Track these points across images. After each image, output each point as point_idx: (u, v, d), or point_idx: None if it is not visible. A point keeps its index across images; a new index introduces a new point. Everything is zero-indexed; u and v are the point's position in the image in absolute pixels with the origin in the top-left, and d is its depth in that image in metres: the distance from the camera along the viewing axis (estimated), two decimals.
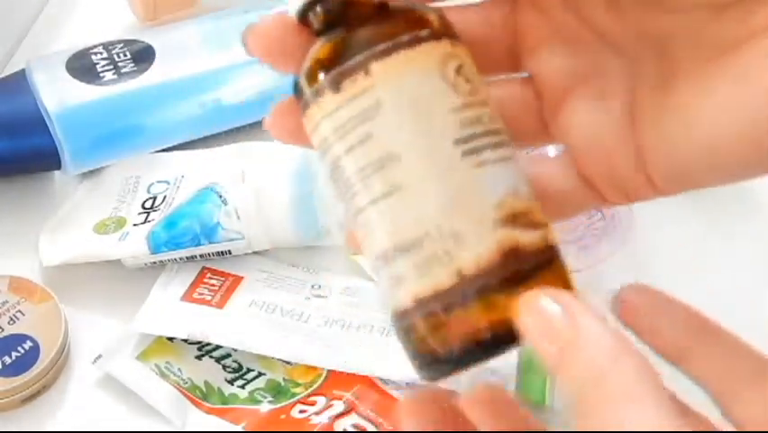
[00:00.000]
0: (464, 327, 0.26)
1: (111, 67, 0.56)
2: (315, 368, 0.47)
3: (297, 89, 0.28)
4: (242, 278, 0.51)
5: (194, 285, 0.51)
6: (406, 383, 0.45)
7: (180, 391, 0.47)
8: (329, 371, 0.46)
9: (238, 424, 0.45)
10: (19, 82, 0.55)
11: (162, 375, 0.47)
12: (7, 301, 0.49)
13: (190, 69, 0.57)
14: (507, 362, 0.44)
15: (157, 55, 0.57)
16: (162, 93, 0.56)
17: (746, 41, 0.25)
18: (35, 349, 0.47)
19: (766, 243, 0.53)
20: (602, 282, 0.51)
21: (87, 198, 0.56)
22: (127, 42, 0.57)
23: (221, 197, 0.51)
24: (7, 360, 0.47)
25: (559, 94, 0.29)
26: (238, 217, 0.51)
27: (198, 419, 0.46)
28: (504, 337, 0.26)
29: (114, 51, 0.57)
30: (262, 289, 0.50)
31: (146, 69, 0.56)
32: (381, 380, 0.45)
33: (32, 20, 0.66)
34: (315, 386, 0.46)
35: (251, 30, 0.28)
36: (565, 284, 0.27)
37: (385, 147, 0.26)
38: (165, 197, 0.54)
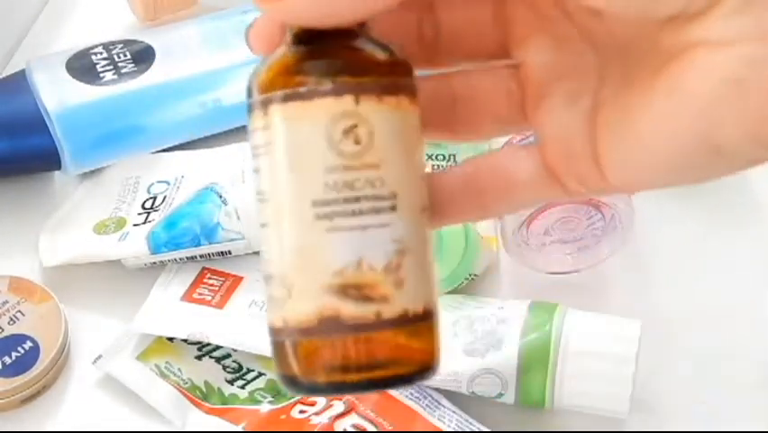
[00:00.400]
0: (285, 365, 0.28)
1: (111, 67, 0.56)
2: None
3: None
4: (242, 278, 0.51)
5: (194, 285, 0.51)
6: None
7: (180, 392, 0.47)
8: None
9: (238, 424, 0.45)
10: (19, 82, 0.55)
11: (162, 375, 0.47)
12: (7, 301, 0.49)
13: (190, 69, 0.57)
14: (507, 362, 0.44)
15: (157, 55, 0.57)
16: (162, 93, 0.56)
17: (680, 54, 0.26)
18: (35, 349, 0.47)
19: (766, 243, 0.53)
20: (602, 282, 0.51)
21: (87, 198, 0.56)
22: (127, 42, 0.57)
23: (221, 197, 0.51)
24: (7, 360, 0.47)
25: (540, 87, 0.29)
26: (238, 218, 0.51)
27: (198, 419, 0.46)
28: (316, 386, 0.28)
29: (114, 52, 0.57)
30: (262, 289, 0.50)
31: (146, 70, 0.56)
32: None
33: (32, 20, 0.66)
34: None
35: (253, 27, 0.29)
36: (403, 358, 0.28)
37: (263, 185, 0.28)
38: (165, 197, 0.54)
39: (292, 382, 0.28)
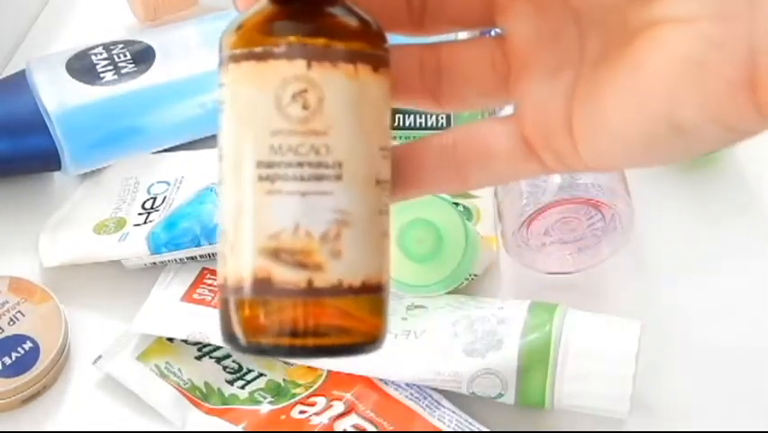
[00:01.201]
0: (225, 322, 0.28)
1: (111, 67, 0.56)
2: (315, 369, 0.47)
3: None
4: None
5: (194, 286, 0.51)
6: (407, 383, 0.45)
7: (180, 392, 0.47)
8: (329, 371, 0.46)
9: (238, 424, 0.45)
10: (19, 83, 0.55)
11: (162, 376, 0.47)
12: (7, 302, 0.49)
13: (190, 69, 0.57)
14: (507, 362, 0.44)
15: (157, 56, 0.57)
16: (162, 93, 0.56)
17: (644, 31, 0.26)
18: (35, 350, 0.47)
19: (766, 242, 0.53)
20: (602, 282, 0.51)
21: (87, 198, 0.56)
22: (127, 43, 0.57)
23: None
24: (7, 360, 0.47)
25: (523, 58, 0.29)
26: None
27: (198, 419, 0.46)
28: (249, 346, 0.28)
29: (114, 52, 0.57)
30: None
31: (146, 70, 0.56)
32: (381, 380, 0.45)
33: (33, 20, 0.66)
34: (315, 387, 0.46)
35: None
36: (339, 325, 0.28)
37: (220, 141, 0.28)
38: (165, 197, 0.54)
39: (230, 339, 0.28)
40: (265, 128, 0.27)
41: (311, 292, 0.27)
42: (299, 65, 0.27)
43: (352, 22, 0.28)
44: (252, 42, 0.27)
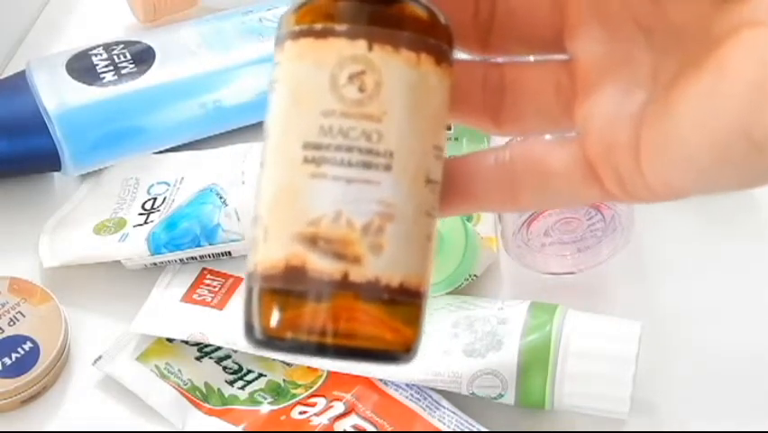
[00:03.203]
0: (248, 312, 0.27)
1: (111, 68, 0.56)
2: (315, 369, 0.47)
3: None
4: (243, 279, 0.51)
5: (194, 286, 0.51)
6: (407, 384, 0.45)
7: (180, 393, 0.47)
8: (329, 372, 0.46)
9: (238, 425, 0.45)
10: (19, 83, 0.55)
11: (162, 376, 0.47)
12: (7, 302, 0.49)
13: (190, 70, 0.57)
14: (507, 362, 0.44)
15: (157, 56, 0.57)
16: (162, 94, 0.56)
17: (729, 36, 0.24)
18: (35, 350, 0.47)
19: (766, 242, 0.53)
20: (602, 283, 0.51)
21: (87, 199, 0.56)
22: (127, 43, 0.57)
23: (221, 198, 0.51)
24: (7, 361, 0.47)
25: (592, 79, 0.28)
26: (238, 219, 0.51)
27: (198, 420, 0.46)
28: (270, 339, 0.26)
29: (114, 52, 0.57)
30: None
31: (146, 71, 0.56)
32: (381, 381, 0.45)
33: (33, 21, 0.66)
34: (315, 387, 0.46)
35: None
36: (364, 327, 0.26)
37: (268, 121, 0.27)
38: (165, 198, 0.54)
39: (249, 330, 0.27)
40: (317, 107, 0.26)
41: (345, 286, 0.25)
42: (360, 45, 0.26)
43: (421, 10, 0.27)
44: (314, 19, 0.26)
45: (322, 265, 0.25)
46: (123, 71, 0.56)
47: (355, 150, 0.25)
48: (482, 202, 0.29)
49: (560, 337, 0.44)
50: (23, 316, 0.49)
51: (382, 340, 0.26)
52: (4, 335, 0.48)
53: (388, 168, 0.26)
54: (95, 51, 0.57)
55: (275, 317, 0.26)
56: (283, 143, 0.26)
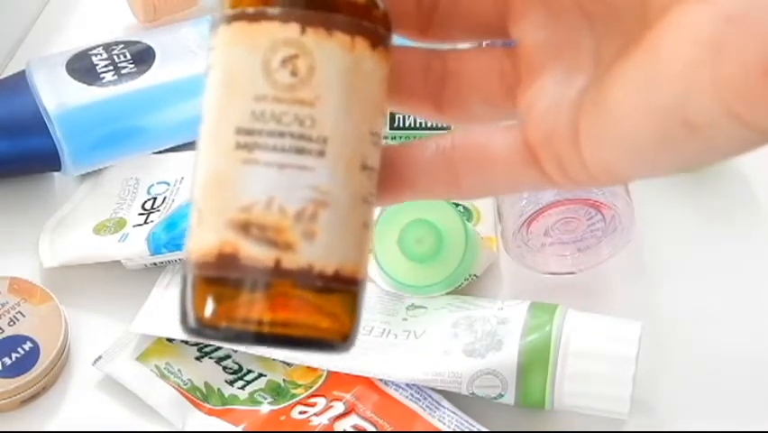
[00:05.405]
0: (183, 301, 0.26)
1: (111, 68, 0.56)
2: (315, 369, 0.47)
3: None
4: None
5: None
6: (407, 384, 0.45)
7: (180, 393, 0.47)
8: (329, 372, 0.46)
9: (238, 425, 0.45)
10: (19, 83, 0.55)
11: (162, 376, 0.47)
12: (7, 302, 0.49)
13: (190, 69, 0.57)
14: (507, 362, 0.44)
15: (157, 56, 0.57)
16: (162, 94, 0.56)
17: (662, 15, 0.24)
18: (35, 350, 0.47)
19: (766, 242, 0.53)
20: (602, 283, 0.51)
21: (87, 199, 0.56)
22: (127, 43, 0.57)
23: None
24: (7, 361, 0.47)
25: (535, 66, 0.28)
26: None
27: (198, 420, 0.46)
28: (203, 328, 0.26)
29: (114, 52, 0.57)
30: None
31: (146, 71, 0.56)
32: (381, 381, 0.45)
33: (33, 20, 0.66)
34: (315, 387, 0.46)
35: None
36: (296, 311, 0.26)
37: (202, 105, 0.26)
38: (165, 198, 0.54)
39: (184, 319, 0.26)
40: (249, 92, 0.25)
41: (278, 273, 0.25)
42: (293, 28, 0.25)
43: None
44: (248, 3, 0.26)
45: (255, 252, 0.25)
46: (123, 71, 0.56)
47: (287, 135, 0.25)
48: (423, 189, 0.29)
49: (560, 337, 0.44)
50: (23, 316, 0.49)
51: (317, 328, 0.26)
52: (4, 335, 0.48)
53: (321, 154, 0.25)
54: (95, 51, 0.57)
55: (209, 306, 0.26)
56: (216, 129, 0.26)
